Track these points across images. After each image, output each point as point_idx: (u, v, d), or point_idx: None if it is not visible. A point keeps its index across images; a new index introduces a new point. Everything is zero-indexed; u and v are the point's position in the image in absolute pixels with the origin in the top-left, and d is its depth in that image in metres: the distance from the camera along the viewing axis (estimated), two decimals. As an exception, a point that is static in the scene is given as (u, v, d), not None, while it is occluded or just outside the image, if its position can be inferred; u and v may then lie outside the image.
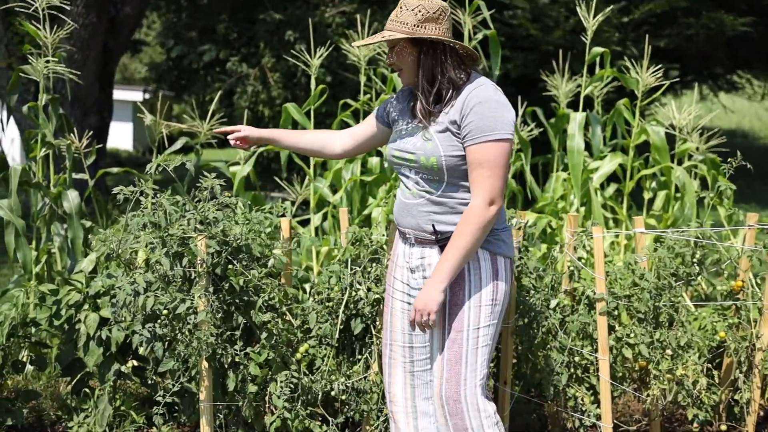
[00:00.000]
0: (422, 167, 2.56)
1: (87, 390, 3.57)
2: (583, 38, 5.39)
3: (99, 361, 3.34)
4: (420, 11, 2.51)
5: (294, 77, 12.36)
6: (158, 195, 3.10)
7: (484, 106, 2.46)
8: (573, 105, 6.61)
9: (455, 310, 2.59)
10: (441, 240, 2.59)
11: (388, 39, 2.54)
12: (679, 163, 5.42)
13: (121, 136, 21.81)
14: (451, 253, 2.49)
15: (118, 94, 17.75)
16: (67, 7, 4.79)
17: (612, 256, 5.03)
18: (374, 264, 3.23)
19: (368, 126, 2.90)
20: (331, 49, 5.57)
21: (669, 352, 3.35)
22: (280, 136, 3.01)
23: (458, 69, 2.55)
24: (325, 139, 2.97)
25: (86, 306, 3.39)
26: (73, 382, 3.58)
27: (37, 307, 3.47)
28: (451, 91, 2.53)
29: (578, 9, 5.38)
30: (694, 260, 3.45)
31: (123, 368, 3.42)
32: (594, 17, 5.29)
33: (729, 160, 4.01)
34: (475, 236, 2.48)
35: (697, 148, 5.19)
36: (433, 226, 2.58)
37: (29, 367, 3.83)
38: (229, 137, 2.95)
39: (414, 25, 2.50)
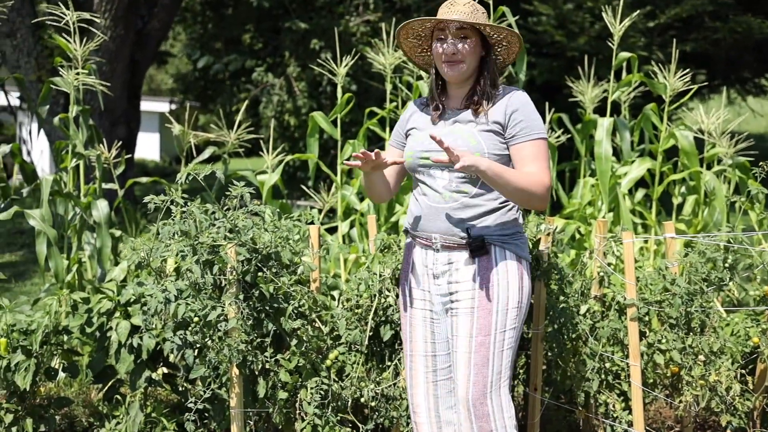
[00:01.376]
0: None
1: (118, 397, 3.60)
2: (609, 43, 5.35)
3: (130, 369, 3.37)
4: (487, 18, 2.72)
5: (319, 86, 12.42)
6: (188, 204, 3.12)
7: (528, 107, 2.65)
8: (599, 111, 6.58)
9: (483, 314, 2.61)
10: (473, 243, 2.60)
11: (489, 25, 2.64)
12: (708, 167, 5.37)
13: (148, 147, 22.08)
14: (508, 173, 2.50)
15: (145, 105, 17.94)
16: (97, 20, 4.86)
17: (642, 261, 4.98)
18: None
19: (396, 158, 2.76)
20: (356, 57, 5.59)
21: (701, 357, 3.31)
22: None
23: (497, 76, 2.73)
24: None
25: (117, 314, 3.42)
26: (104, 389, 3.62)
27: (69, 315, 3.51)
28: (490, 92, 2.68)
29: (604, 14, 5.35)
30: (726, 265, 3.41)
31: (154, 375, 3.45)
32: (620, 22, 5.26)
33: (761, 164, 3.96)
34: (524, 188, 2.52)
35: (726, 153, 5.14)
36: (468, 230, 2.61)
37: (61, 375, 3.87)
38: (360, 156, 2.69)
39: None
